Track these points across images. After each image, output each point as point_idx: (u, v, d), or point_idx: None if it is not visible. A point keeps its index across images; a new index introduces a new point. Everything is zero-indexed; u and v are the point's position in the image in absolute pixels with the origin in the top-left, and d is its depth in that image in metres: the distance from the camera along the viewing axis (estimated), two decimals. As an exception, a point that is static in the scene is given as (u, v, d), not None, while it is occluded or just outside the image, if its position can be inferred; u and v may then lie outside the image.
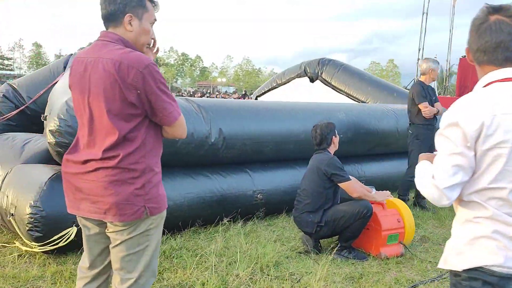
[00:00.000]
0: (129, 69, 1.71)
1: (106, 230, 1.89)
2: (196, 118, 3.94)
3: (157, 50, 1.98)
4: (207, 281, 2.98)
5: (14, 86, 5.26)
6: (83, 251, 2.02)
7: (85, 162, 1.82)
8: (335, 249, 3.58)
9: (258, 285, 3.00)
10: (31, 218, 3.16)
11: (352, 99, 6.89)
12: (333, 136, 3.68)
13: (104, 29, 1.88)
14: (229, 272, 3.17)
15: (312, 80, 7.53)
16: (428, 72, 5.20)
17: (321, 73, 7.38)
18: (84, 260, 2.00)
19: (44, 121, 3.65)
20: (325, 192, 3.55)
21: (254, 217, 4.38)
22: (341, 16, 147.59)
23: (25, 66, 76.06)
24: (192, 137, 3.84)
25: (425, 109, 5.03)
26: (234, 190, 4.19)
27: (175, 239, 3.71)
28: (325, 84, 7.28)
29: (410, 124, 5.27)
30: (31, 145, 3.99)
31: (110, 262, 2.00)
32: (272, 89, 8.46)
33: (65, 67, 5.30)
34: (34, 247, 3.22)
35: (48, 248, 3.20)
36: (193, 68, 75.51)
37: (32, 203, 3.19)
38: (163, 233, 3.69)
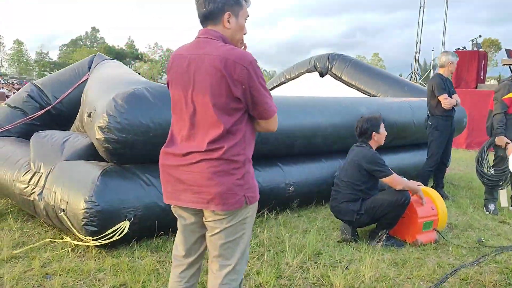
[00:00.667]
0: (236, 65, 1.81)
1: (203, 219, 2.00)
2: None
3: (245, 46, 2.09)
4: (261, 269, 3.11)
5: (39, 85, 5.29)
6: (176, 240, 2.12)
7: (187, 154, 1.90)
8: (373, 237, 3.74)
9: (311, 272, 3.14)
10: (87, 213, 3.24)
11: (363, 93, 7.06)
12: (374, 132, 3.80)
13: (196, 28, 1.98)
14: (279, 261, 3.30)
15: (322, 75, 7.68)
16: (447, 65, 5.38)
17: (331, 68, 7.54)
18: (178, 249, 2.10)
19: (87, 118, 3.73)
20: (364, 185, 3.70)
21: (286, 209, 4.53)
22: (323, 10, 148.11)
23: (6, 64, 74.83)
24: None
25: (445, 100, 5.21)
26: (268, 183, 4.31)
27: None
28: (335, 78, 7.44)
29: (429, 115, 5.45)
30: (71, 142, 4.05)
31: (204, 250, 2.11)
32: (281, 84, 8.60)
33: (89, 67, 5.35)
34: (88, 241, 3.31)
35: (102, 242, 3.29)
36: (179, 63, 74.85)
37: (87, 198, 3.27)
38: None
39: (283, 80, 8.56)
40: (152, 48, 78.45)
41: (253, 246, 3.52)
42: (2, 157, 4.41)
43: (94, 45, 78.22)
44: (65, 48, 78.28)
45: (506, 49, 11.53)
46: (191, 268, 2.10)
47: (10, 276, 2.91)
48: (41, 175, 3.84)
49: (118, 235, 3.30)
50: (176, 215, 2.09)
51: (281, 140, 4.41)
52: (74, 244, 3.45)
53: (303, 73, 8.02)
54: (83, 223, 3.26)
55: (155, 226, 3.57)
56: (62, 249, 3.43)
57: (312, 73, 7.82)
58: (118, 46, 75.75)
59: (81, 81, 5.26)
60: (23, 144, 4.64)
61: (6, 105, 5.24)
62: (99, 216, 3.26)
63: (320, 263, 3.29)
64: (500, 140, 4.79)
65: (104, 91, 3.77)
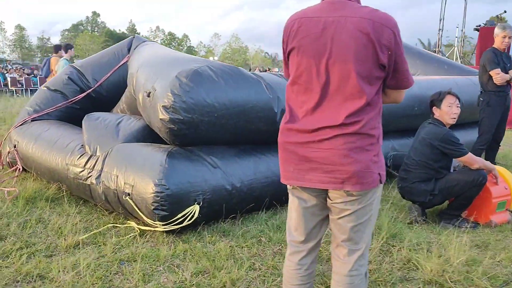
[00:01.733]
0: (383, 28, 1.64)
1: (328, 201, 1.85)
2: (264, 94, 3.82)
3: None
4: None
5: (78, 68, 5.12)
6: (291, 225, 1.96)
7: (317, 130, 1.73)
8: (446, 219, 3.61)
9: (394, 256, 3.01)
10: (157, 197, 3.11)
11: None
12: (434, 107, 3.61)
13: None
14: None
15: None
16: (497, 38, 5.18)
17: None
18: (296, 234, 1.95)
19: (145, 98, 3.56)
20: (437, 164, 3.54)
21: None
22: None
23: (8, 50, 74.23)
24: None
25: (497, 75, 5.03)
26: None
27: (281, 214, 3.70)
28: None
29: (481, 91, 5.27)
30: (125, 124, 3.91)
31: (323, 235, 1.97)
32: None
33: (129, 49, 5.18)
34: (158, 227, 3.18)
35: (173, 227, 3.16)
36: (181, 47, 74.53)
37: (157, 182, 3.13)
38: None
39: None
40: (154, 31, 77.91)
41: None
42: (50, 141, 4.28)
43: (95, 30, 77.49)
44: (66, 33, 77.49)
45: None
46: (311, 255, 1.96)
47: (85, 264, 2.79)
48: (97, 158, 3.71)
49: (189, 220, 3.18)
50: (294, 197, 1.92)
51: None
52: (140, 229, 3.32)
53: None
54: (153, 207, 3.12)
55: (222, 209, 3.44)
56: (126, 234, 3.30)
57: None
58: (119, 30, 75.11)
59: (121, 63, 5.10)
60: (68, 127, 4.51)
61: (45, 88, 5.08)
62: (169, 200, 3.12)
63: (401, 247, 3.15)
64: None
65: (162, 70, 3.59)
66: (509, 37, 5.12)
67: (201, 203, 3.25)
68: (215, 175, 3.38)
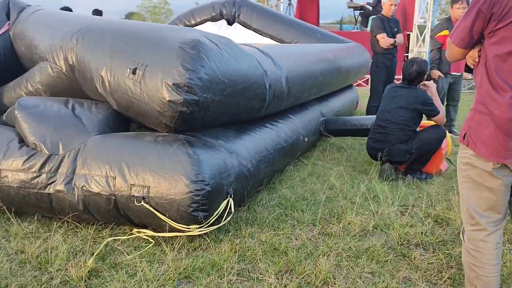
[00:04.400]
0: None
1: None
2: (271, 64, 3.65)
3: None
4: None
5: None
6: (484, 205, 1.90)
7: None
8: (412, 173, 4.00)
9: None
10: (196, 196, 2.57)
11: (278, 42, 7.02)
12: (425, 75, 3.94)
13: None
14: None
15: (230, 23, 7.29)
16: (386, 5, 5.84)
17: (239, 15, 7.21)
18: (493, 213, 1.90)
19: (131, 76, 2.82)
20: (415, 125, 3.88)
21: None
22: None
23: None
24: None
25: (382, 39, 5.71)
26: (292, 136, 4.09)
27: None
28: (245, 27, 7.17)
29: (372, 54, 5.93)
30: (85, 112, 3.05)
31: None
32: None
33: (7, 16, 3.93)
34: (192, 230, 2.64)
35: (214, 227, 2.69)
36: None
37: (193, 178, 2.58)
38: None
39: (182, 26, 7.77)
40: None
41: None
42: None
43: None
44: None
45: None
46: (502, 229, 1.96)
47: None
48: (62, 158, 2.82)
49: (227, 217, 2.75)
50: (493, 177, 1.85)
51: (299, 91, 4.22)
52: (158, 236, 2.72)
53: (207, 20, 7.47)
54: (191, 209, 2.58)
55: (244, 197, 3.07)
56: (144, 247, 2.66)
57: (218, 21, 7.36)
58: None
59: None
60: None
61: None
62: (210, 197, 2.63)
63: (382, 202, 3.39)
64: (434, 73, 5.58)
65: (143, 41, 2.89)
66: (395, 5, 5.84)
67: (232, 195, 2.84)
68: (233, 160, 2.97)
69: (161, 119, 2.82)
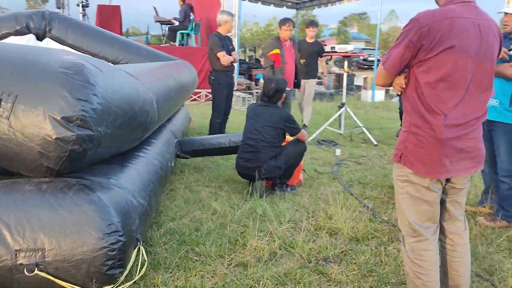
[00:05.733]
0: (500, 32, 2.03)
1: (449, 185, 2.08)
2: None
3: None
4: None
5: None
6: (420, 219, 2.08)
7: (467, 122, 1.96)
8: (280, 187, 4.17)
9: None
10: (112, 251, 2.14)
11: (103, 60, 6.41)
12: (284, 93, 4.07)
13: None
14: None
15: (39, 38, 6.29)
16: (223, 24, 5.95)
17: (50, 30, 6.30)
18: (430, 223, 2.09)
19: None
20: (280, 142, 4.03)
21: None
22: None
23: None
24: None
25: (223, 57, 5.83)
26: (163, 162, 3.79)
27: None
28: (60, 43, 6.31)
29: (211, 71, 5.96)
30: None
31: None
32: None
33: None
34: (106, 292, 2.20)
35: (128, 284, 2.29)
36: None
37: (106, 229, 2.14)
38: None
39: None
40: None
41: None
42: None
43: None
44: None
45: (154, 7, 12.61)
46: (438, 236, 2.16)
47: None
48: None
49: (141, 266, 2.38)
50: (429, 191, 2.04)
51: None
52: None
53: (10, 34, 6.28)
54: (106, 268, 2.14)
55: (146, 240, 2.69)
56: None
57: (25, 35, 6.28)
58: None
59: None
60: None
61: None
62: (125, 249, 2.24)
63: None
64: None
65: (5, 64, 2.28)
66: (232, 24, 6.03)
67: (141, 240, 2.46)
68: (133, 200, 2.58)
69: (42, 161, 2.26)
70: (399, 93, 2.14)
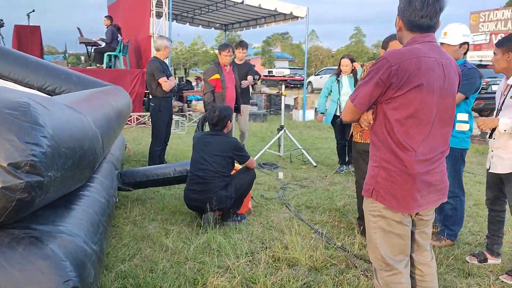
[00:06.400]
0: (459, 70, 2.14)
1: (417, 217, 2.14)
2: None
3: None
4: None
5: None
6: (394, 251, 2.10)
7: (434, 156, 2.03)
8: (228, 217, 4.07)
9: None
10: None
11: (26, 87, 5.95)
12: (229, 121, 3.99)
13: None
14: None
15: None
16: (162, 49, 5.79)
17: (-33, 54, 5.76)
18: (403, 256, 2.12)
19: None
20: (229, 171, 3.95)
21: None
22: None
23: None
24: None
25: (165, 83, 5.68)
26: (108, 199, 3.56)
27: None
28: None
29: (150, 98, 5.77)
30: None
31: None
32: None
33: None
34: None
35: None
36: None
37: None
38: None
39: None
40: None
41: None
42: None
43: None
44: None
45: (78, 27, 12.03)
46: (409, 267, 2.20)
47: None
48: None
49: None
50: (402, 225, 2.08)
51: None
52: None
53: None
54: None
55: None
56: None
57: None
58: None
59: None
60: None
61: None
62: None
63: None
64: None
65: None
66: (170, 49, 5.90)
67: (99, 293, 2.26)
68: (86, 247, 2.37)
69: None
70: (367, 129, 2.17)
